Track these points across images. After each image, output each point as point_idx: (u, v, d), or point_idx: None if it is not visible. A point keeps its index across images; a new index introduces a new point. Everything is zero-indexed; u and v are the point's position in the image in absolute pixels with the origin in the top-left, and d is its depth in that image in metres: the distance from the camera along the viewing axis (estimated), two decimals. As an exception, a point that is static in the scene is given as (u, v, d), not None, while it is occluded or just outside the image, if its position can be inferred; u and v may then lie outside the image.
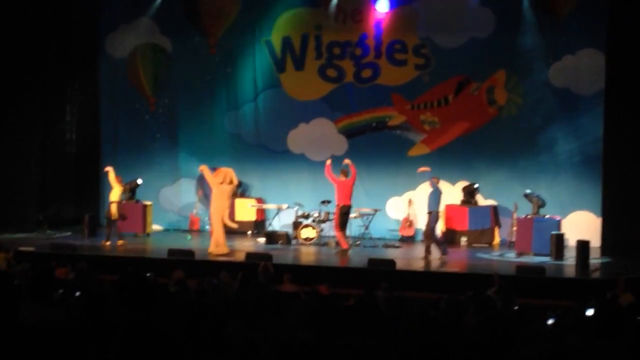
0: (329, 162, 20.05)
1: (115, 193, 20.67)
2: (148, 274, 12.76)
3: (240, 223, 22.19)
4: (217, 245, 19.03)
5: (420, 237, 22.77)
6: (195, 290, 10.81)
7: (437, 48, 22.86)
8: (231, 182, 19.31)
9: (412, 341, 5.55)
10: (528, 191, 21.01)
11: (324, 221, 21.86)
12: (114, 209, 20.57)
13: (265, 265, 14.31)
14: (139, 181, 22.89)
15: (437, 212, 19.68)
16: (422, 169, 20.06)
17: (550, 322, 8.36)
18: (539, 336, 6.64)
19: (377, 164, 23.16)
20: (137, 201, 22.72)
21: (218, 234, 19.15)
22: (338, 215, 19.91)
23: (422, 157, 22.85)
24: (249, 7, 23.89)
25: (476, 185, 22.40)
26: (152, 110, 24.66)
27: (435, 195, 19.52)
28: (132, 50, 24.58)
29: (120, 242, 20.51)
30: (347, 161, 20.15)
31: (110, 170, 20.78)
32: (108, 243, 20.38)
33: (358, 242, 21.71)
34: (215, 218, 19.24)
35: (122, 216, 20.74)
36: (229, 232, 19.98)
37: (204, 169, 19.73)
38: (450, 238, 21.83)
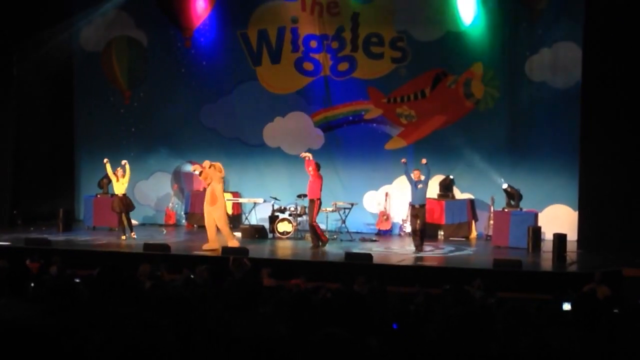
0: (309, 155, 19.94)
1: (118, 186, 20.70)
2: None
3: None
4: (231, 238, 19.09)
5: (397, 230, 22.79)
6: (171, 284, 10.74)
7: (413, 41, 22.81)
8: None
9: (391, 333, 5.52)
10: (505, 185, 21.03)
11: (300, 215, 21.82)
12: (117, 201, 20.68)
13: (239, 259, 14.26)
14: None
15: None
16: (423, 160, 19.73)
17: (527, 316, 8.32)
18: (517, 329, 6.60)
19: (354, 158, 23.14)
20: (112, 195, 22.57)
21: (227, 229, 19.22)
22: (318, 209, 19.88)
23: (399, 150, 22.83)
24: (224, -1, 23.83)
25: (451, 177, 22.37)
26: (127, 104, 24.56)
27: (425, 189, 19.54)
28: (107, 44, 24.45)
29: (124, 237, 20.64)
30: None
31: (106, 162, 20.82)
32: (124, 237, 20.51)
33: (335, 236, 21.65)
34: (223, 213, 19.21)
35: (122, 209, 20.74)
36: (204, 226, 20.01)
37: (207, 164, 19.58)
38: (427, 232, 21.80)
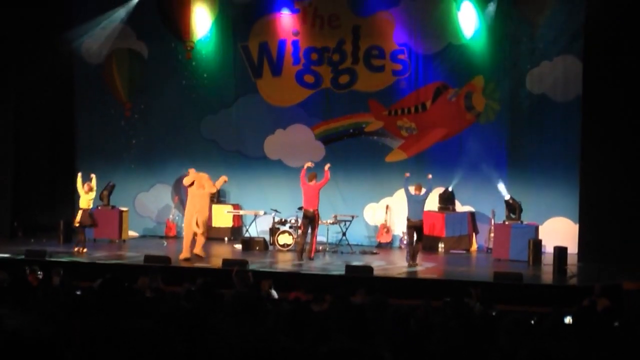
0: (306, 165, 20.02)
1: (82, 200, 20.61)
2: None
3: (217, 229, 22.43)
4: (185, 252, 19.08)
5: (397, 243, 22.79)
6: (172, 296, 10.73)
7: (414, 54, 22.86)
8: (202, 187, 19.28)
9: (395, 345, 5.53)
10: (508, 196, 21.08)
11: (300, 227, 21.81)
12: (78, 216, 20.47)
13: (242, 272, 14.24)
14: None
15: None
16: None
17: (528, 327, 8.33)
18: (518, 341, 6.61)
19: (355, 170, 23.15)
20: (113, 207, 22.57)
21: (185, 239, 19.30)
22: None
23: (399, 163, 22.87)
24: (225, 12, 23.81)
25: (450, 189, 22.34)
26: (127, 116, 24.50)
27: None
28: (108, 56, 24.42)
29: (79, 249, 20.20)
30: (326, 166, 20.13)
31: (78, 176, 20.79)
32: (76, 249, 20.14)
33: (335, 249, 21.64)
34: (185, 222, 19.38)
35: (83, 224, 20.53)
36: (208, 238, 20.06)
37: (191, 171, 19.67)
38: (427, 244, 21.75)
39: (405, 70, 23.00)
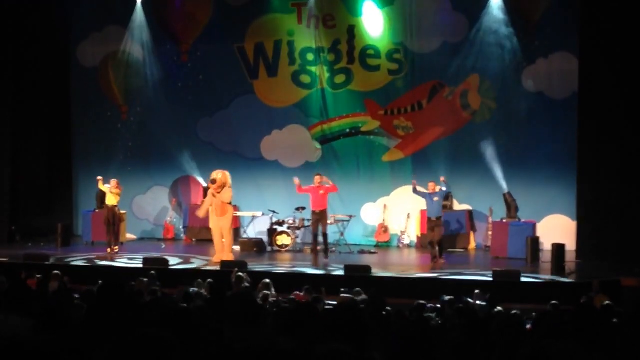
0: (296, 182, 20.09)
1: (110, 197, 20.77)
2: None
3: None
4: (230, 251, 19.25)
5: (396, 242, 22.77)
6: (169, 299, 10.73)
7: (410, 53, 22.85)
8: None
9: (393, 345, 5.52)
10: (506, 190, 21.09)
11: (299, 228, 21.82)
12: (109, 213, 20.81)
13: (240, 274, 14.28)
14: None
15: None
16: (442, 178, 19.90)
17: (527, 325, 8.33)
18: (517, 340, 6.61)
19: (352, 170, 23.16)
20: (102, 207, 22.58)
21: (230, 240, 19.48)
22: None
23: (396, 162, 22.89)
24: (221, 13, 23.81)
25: (443, 188, 22.25)
26: (124, 119, 24.51)
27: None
28: (104, 59, 24.41)
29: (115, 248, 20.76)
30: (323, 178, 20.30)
31: (99, 180, 20.92)
32: (116, 249, 20.73)
33: (333, 249, 21.61)
34: (230, 223, 19.51)
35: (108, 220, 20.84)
36: (205, 240, 20.07)
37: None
38: (425, 243, 21.74)
39: (401, 70, 23.00)
